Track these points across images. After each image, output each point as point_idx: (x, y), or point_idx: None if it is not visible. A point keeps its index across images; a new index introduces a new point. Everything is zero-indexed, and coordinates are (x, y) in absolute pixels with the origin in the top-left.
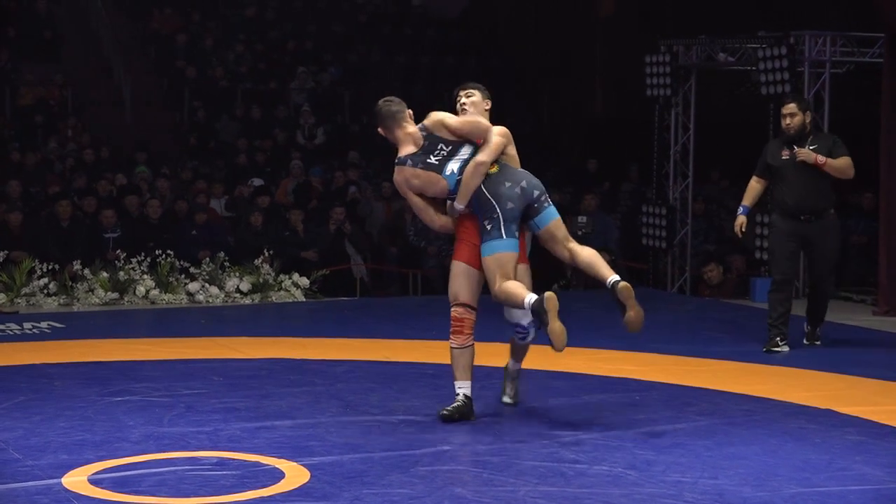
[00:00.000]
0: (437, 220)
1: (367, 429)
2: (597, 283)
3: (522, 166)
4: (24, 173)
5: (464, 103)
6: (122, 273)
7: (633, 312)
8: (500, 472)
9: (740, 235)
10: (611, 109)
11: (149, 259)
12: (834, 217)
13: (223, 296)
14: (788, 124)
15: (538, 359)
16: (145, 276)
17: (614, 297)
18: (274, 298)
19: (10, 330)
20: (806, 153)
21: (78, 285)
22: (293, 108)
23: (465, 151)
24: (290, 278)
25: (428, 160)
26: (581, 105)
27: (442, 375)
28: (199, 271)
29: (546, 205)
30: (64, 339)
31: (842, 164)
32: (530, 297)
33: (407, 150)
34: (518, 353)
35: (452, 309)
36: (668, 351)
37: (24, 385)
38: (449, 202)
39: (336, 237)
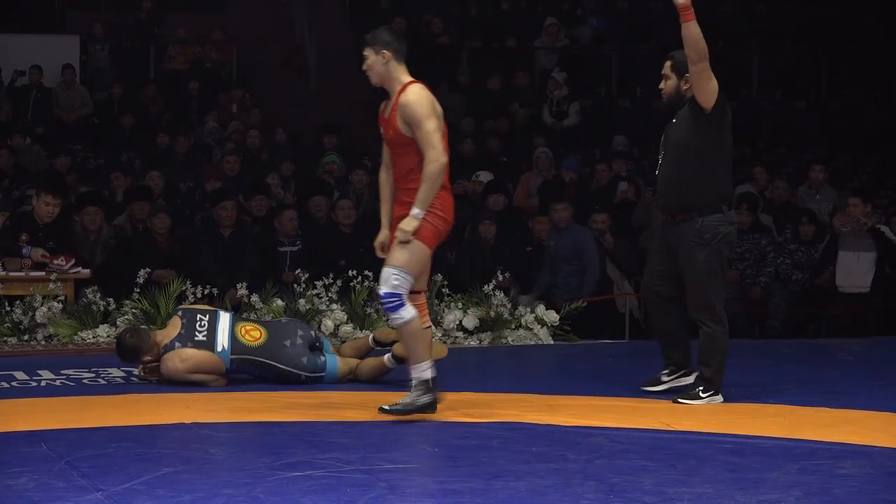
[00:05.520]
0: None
1: None
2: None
3: None
4: (174, 163)
5: None
6: (302, 301)
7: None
8: None
9: None
10: None
11: (339, 283)
12: (703, 223)
13: (440, 335)
14: (661, 88)
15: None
16: (334, 306)
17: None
18: (510, 339)
19: None
20: None
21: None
22: (538, 75)
23: (225, 318)
24: (531, 312)
25: (195, 338)
26: None
27: (746, 452)
28: None
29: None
30: (223, 391)
31: None
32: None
33: (170, 335)
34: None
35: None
36: None
37: (170, 452)
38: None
39: None
